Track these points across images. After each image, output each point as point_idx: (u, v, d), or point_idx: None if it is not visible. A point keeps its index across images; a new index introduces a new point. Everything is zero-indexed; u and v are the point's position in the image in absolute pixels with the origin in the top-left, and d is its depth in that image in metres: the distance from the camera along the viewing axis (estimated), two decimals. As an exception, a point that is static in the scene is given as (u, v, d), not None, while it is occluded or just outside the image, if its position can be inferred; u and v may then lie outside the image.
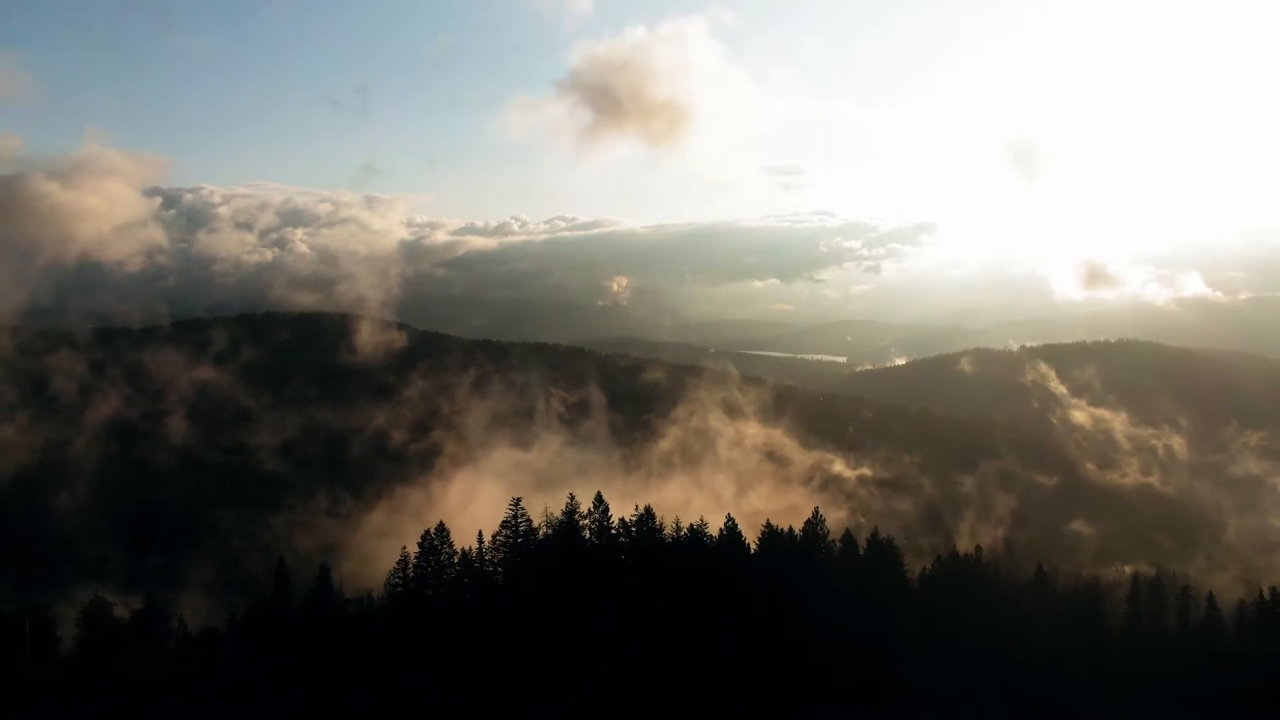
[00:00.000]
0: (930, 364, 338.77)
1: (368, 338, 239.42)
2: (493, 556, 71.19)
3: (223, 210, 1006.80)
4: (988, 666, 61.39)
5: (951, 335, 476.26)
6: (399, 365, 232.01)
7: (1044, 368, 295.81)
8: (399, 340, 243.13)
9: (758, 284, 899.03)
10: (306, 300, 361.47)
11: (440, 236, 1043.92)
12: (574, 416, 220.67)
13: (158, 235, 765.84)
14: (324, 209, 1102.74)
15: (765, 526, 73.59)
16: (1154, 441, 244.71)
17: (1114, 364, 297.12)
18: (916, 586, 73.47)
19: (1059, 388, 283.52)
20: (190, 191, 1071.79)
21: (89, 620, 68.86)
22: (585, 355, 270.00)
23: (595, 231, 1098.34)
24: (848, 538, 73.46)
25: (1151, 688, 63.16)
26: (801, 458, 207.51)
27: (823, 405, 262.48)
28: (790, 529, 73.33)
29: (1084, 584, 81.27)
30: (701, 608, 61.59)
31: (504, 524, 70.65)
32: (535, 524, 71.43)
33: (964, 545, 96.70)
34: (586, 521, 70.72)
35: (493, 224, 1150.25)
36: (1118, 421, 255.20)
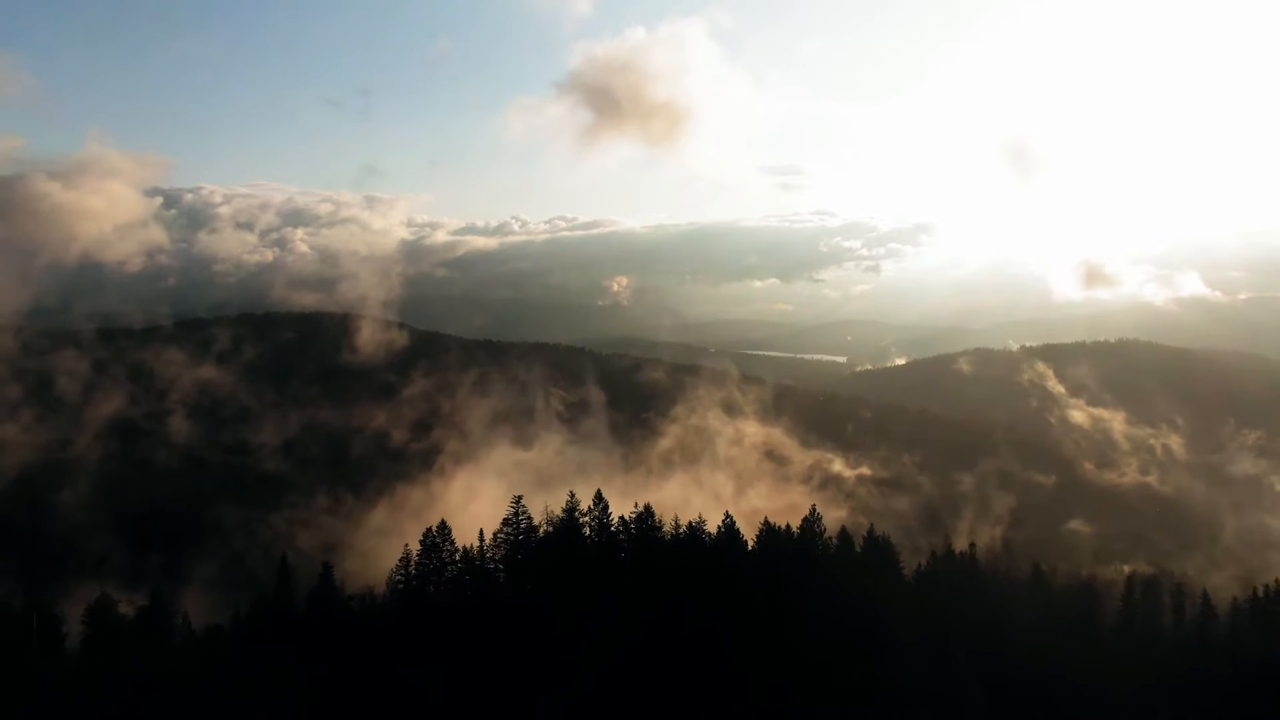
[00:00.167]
0: (930, 364, 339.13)
1: (368, 337, 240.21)
2: (494, 554, 71.86)
3: (223, 210, 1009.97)
4: (982, 663, 62.02)
5: (951, 335, 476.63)
6: (400, 365, 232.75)
7: (1043, 368, 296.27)
8: (399, 340, 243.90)
9: (758, 284, 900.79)
10: (307, 300, 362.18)
11: (440, 236, 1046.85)
12: (574, 416, 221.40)
13: (159, 235, 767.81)
14: (324, 209, 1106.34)
15: (763, 524, 74.26)
16: (1152, 441, 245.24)
17: (1113, 364, 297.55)
18: (912, 584, 74.06)
19: (1058, 387, 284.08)
20: (191, 191, 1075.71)
21: (94, 617, 69.50)
22: (585, 355, 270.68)
23: (595, 231, 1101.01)
24: (844, 535, 74.16)
25: (1146, 685, 63.77)
26: (801, 457, 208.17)
27: (822, 405, 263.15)
28: (788, 526, 74.02)
29: (1079, 582, 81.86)
30: (700, 605, 62.27)
31: (505, 522, 71.31)
32: (536, 522, 72.10)
33: (962, 544, 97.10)
34: (586, 519, 71.40)
35: (493, 224, 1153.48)
36: (1116, 421, 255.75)
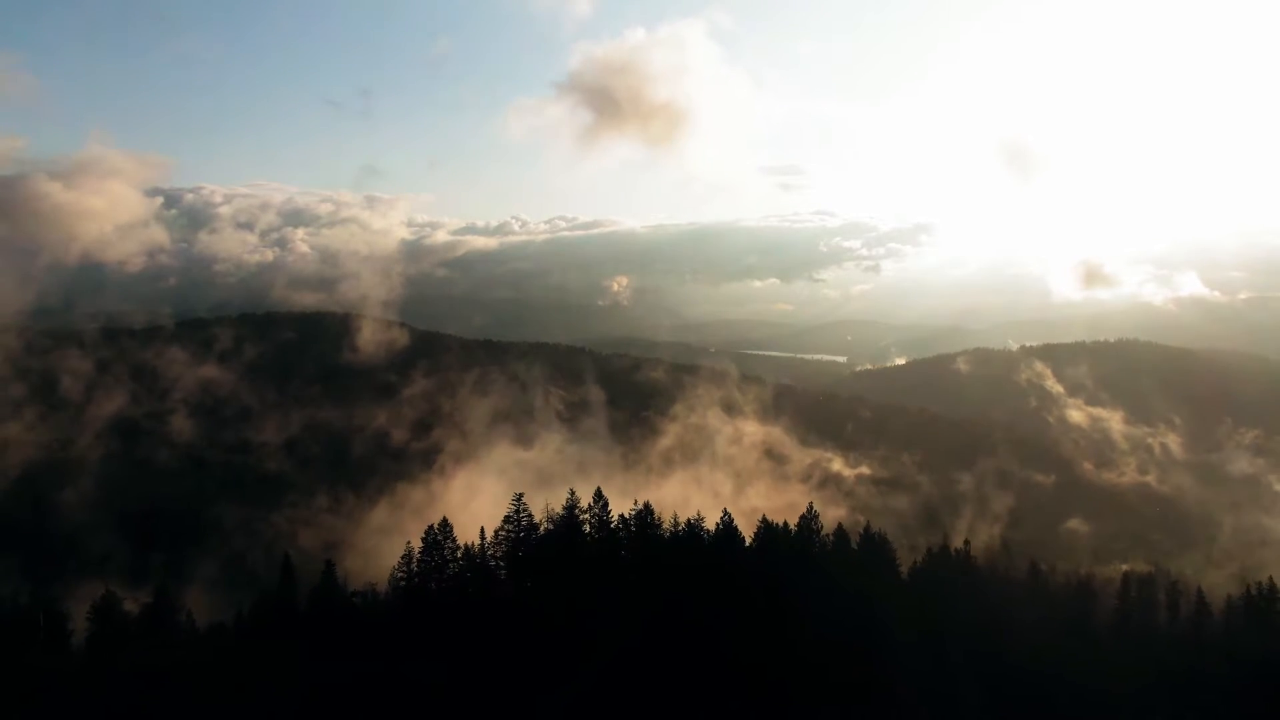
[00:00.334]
0: (930, 364, 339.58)
1: (369, 337, 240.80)
2: (495, 552, 72.45)
3: (224, 210, 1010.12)
4: (977, 659, 62.64)
5: (951, 335, 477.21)
6: (400, 364, 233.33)
7: (1043, 368, 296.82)
8: (400, 339, 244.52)
9: (758, 284, 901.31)
10: (308, 300, 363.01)
11: (441, 236, 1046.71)
12: (574, 415, 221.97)
13: (159, 235, 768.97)
14: (325, 209, 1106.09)
15: (761, 522, 74.87)
16: (1150, 441, 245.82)
17: (1112, 364, 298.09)
18: (908, 581, 74.67)
19: (1057, 387, 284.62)
20: (191, 191, 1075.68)
21: (100, 614, 70.11)
22: (585, 355, 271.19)
23: (595, 231, 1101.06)
24: (840, 532, 74.78)
25: (1141, 681, 64.38)
26: (800, 456, 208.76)
27: (822, 404, 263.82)
28: (785, 524, 74.61)
29: (1076, 580, 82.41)
30: (698, 602, 62.88)
31: (506, 519, 71.91)
32: (537, 520, 72.67)
33: (960, 543, 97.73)
34: (587, 517, 71.99)
35: (493, 224, 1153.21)
36: (1115, 421, 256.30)
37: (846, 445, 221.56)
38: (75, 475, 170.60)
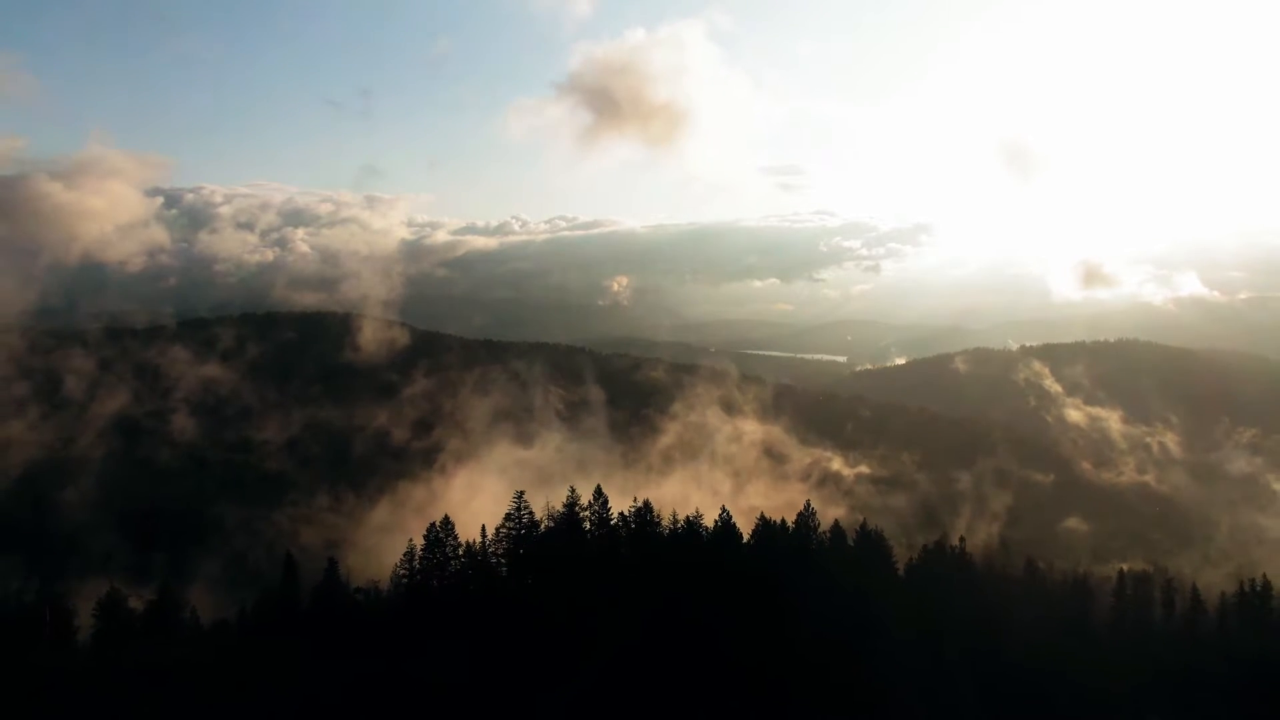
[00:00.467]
0: (930, 364, 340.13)
1: (369, 337, 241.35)
2: (496, 549, 73.01)
3: (224, 210, 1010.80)
4: (973, 654, 63.25)
5: (951, 335, 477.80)
6: (400, 364, 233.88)
7: (1043, 368, 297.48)
8: (400, 339, 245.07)
9: (757, 284, 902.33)
10: (308, 300, 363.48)
11: (441, 236, 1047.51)
12: (574, 414, 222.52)
13: (159, 235, 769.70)
14: (325, 209, 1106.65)
15: (759, 519, 75.47)
16: (1149, 440, 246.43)
17: (1112, 364, 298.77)
18: (904, 577, 75.27)
19: (1057, 387, 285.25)
20: (191, 191, 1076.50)
21: (105, 611, 70.70)
22: (585, 354, 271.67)
23: (595, 231, 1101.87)
24: (837, 529, 75.45)
25: (1136, 677, 64.98)
26: (800, 455, 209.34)
27: (821, 403, 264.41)
28: (783, 521, 75.21)
29: (1072, 578, 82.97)
30: (697, 598, 63.51)
31: (507, 516, 72.51)
32: (537, 518, 73.22)
33: (958, 541, 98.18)
34: (587, 514, 72.56)
35: (493, 224, 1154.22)
36: (1115, 420, 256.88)
37: (846, 444, 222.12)
38: (77, 474, 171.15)
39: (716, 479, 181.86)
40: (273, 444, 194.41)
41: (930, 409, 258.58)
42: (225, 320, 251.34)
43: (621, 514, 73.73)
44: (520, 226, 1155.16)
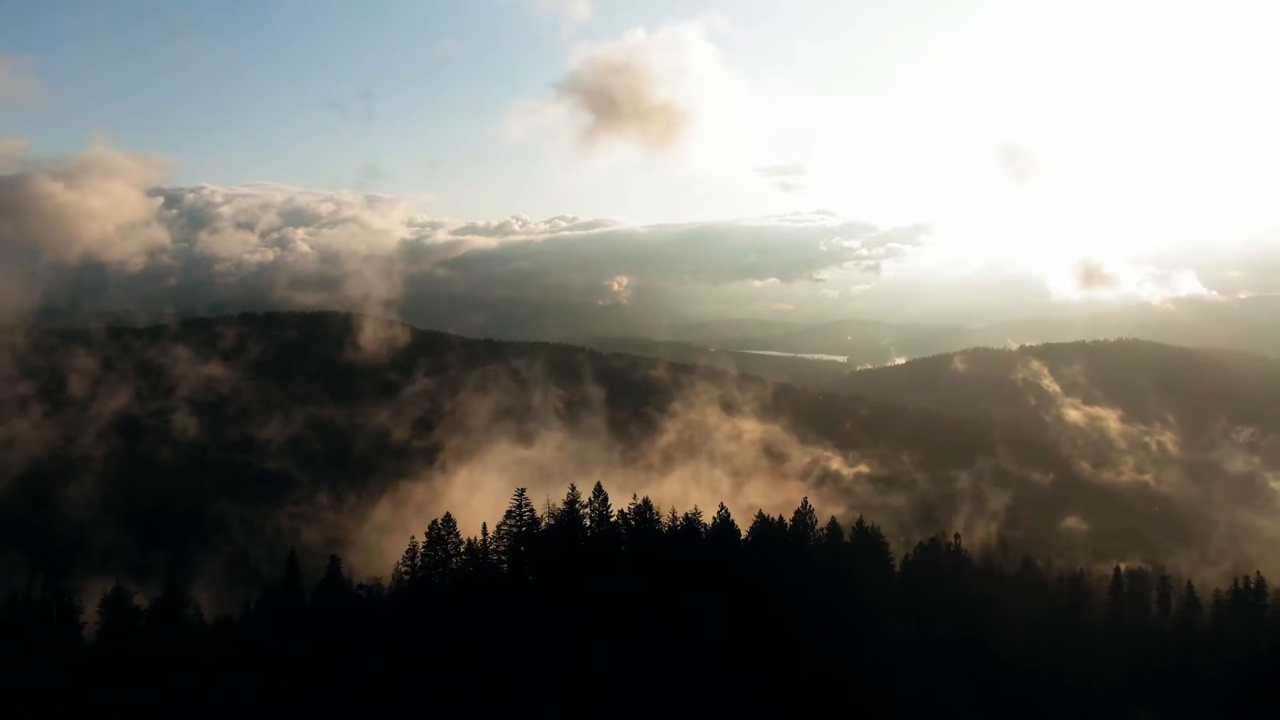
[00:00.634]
0: (930, 363, 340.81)
1: (370, 336, 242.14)
2: (497, 546, 73.65)
3: (225, 210, 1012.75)
4: (966, 649, 63.90)
5: (951, 335, 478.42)
6: (401, 363, 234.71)
7: (1042, 367, 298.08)
8: (401, 339, 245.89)
9: (757, 284, 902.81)
10: (308, 300, 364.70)
11: (441, 236, 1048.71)
12: (574, 413, 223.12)
13: (160, 235, 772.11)
14: (325, 209, 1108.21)
15: (757, 516, 76.12)
16: (1147, 439, 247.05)
17: (1111, 363, 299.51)
18: (899, 574, 75.91)
19: (1056, 387, 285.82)
20: (192, 191, 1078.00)
21: (110, 607, 71.42)
22: (585, 354, 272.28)
23: (596, 231, 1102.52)
24: (833, 526, 76.16)
25: (1128, 672, 65.65)
26: (799, 454, 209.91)
27: (821, 403, 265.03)
28: (780, 518, 75.86)
29: (1067, 575, 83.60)
30: (696, 593, 64.21)
31: (508, 514, 73.17)
32: (538, 515, 73.84)
33: (960, 540, 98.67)
34: (587, 511, 73.19)
35: (493, 224, 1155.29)
36: (1114, 420, 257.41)
37: (845, 444, 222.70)
38: (80, 473, 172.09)
39: (716, 477, 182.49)
40: (274, 443, 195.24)
41: (930, 408, 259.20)
42: (226, 320, 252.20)
43: (621, 512, 74.36)
44: (520, 226, 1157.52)
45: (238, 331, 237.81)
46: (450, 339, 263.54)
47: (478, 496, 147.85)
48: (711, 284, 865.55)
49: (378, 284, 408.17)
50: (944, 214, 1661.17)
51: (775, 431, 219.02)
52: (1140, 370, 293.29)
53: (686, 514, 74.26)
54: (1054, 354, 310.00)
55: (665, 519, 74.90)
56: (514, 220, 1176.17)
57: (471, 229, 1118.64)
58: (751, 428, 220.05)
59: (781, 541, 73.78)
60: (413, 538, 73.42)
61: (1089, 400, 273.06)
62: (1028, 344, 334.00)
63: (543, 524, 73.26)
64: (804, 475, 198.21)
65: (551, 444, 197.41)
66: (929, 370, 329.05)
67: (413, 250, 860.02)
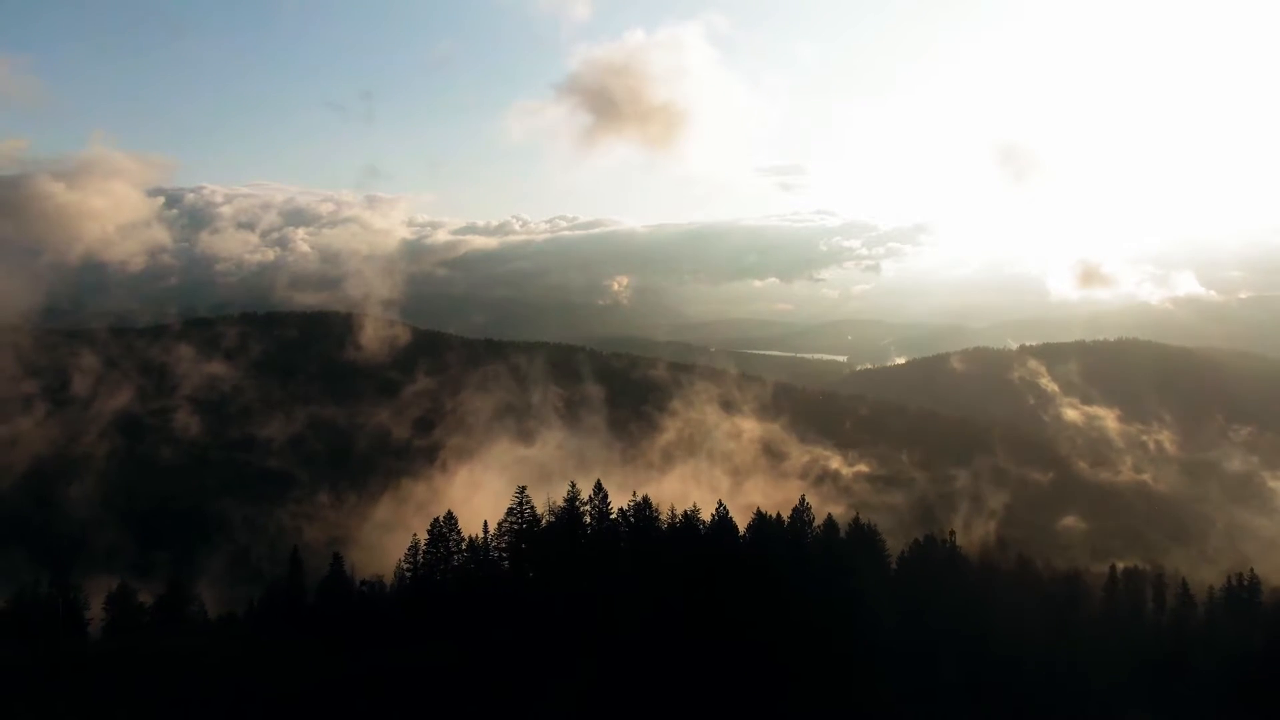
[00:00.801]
0: (930, 363, 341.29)
1: (371, 336, 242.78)
2: (498, 543, 74.33)
3: (225, 210, 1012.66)
4: (958, 644, 64.58)
5: (951, 334, 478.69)
6: (402, 363, 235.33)
7: (1042, 367, 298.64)
8: (401, 338, 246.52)
9: (757, 283, 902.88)
10: (309, 299, 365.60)
11: (442, 236, 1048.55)
12: (574, 413, 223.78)
13: (161, 235, 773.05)
14: (326, 209, 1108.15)
15: (755, 514, 76.81)
16: (1145, 439, 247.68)
17: (1111, 363, 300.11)
18: (895, 570, 76.59)
19: (1056, 387, 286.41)
20: (193, 191, 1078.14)
21: (115, 604, 72.13)
22: (585, 353, 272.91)
23: (596, 231, 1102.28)
24: (830, 523, 76.84)
25: (1121, 668, 66.31)
26: (798, 453, 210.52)
27: (820, 402, 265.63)
28: (778, 516, 76.56)
29: (1063, 572, 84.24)
30: (694, 589, 64.94)
31: (509, 511, 73.86)
32: (539, 513, 74.50)
33: (958, 539, 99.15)
34: (587, 508, 73.88)
35: (494, 224, 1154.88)
36: (1113, 419, 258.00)
37: (845, 443, 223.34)
38: (82, 471, 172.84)
39: (715, 476, 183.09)
40: (275, 442, 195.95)
41: (930, 408, 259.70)
42: (227, 319, 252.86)
43: (621, 509, 75.03)
44: (521, 226, 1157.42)
45: (239, 331, 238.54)
46: (451, 339, 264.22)
47: (478, 495, 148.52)
48: (711, 284, 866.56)
49: (378, 284, 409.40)
50: (944, 214, 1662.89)
51: (775, 430, 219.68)
52: (1139, 370, 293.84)
53: (685, 511, 74.97)
54: (1053, 354, 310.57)
55: (665, 517, 75.57)
56: (514, 220, 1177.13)
57: (472, 229, 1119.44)
58: (751, 427, 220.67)
59: (779, 538, 74.52)
60: (415, 535, 74.12)
61: (1088, 400, 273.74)
62: (1027, 344, 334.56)
63: (543, 521, 73.94)
64: (803, 474, 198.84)
65: (552, 443, 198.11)
66: (929, 370, 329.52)
67: (413, 250, 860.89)
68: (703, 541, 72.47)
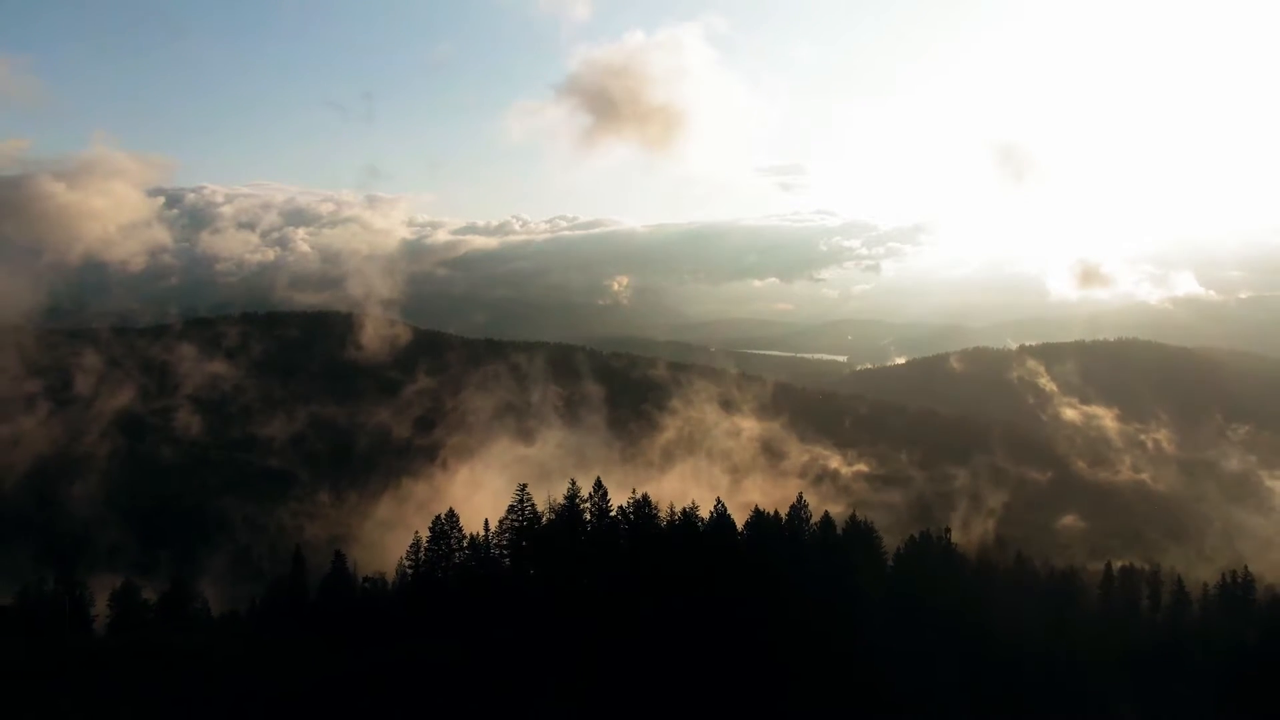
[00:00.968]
0: (929, 363, 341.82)
1: (371, 335, 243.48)
2: (499, 541, 74.94)
3: (226, 210, 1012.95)
4: (952, 639, 65.27)
5: (951, 334, 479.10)
6: (402, 362, 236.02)
7: (1042, 367, 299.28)
8: (402, 338, 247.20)
9: (757, 283, 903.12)
10: (309, 299, 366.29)
11: (442, 236, 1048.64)
12: (574, 412, 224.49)
13: (161, 235, 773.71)
14: (326, 209, 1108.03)
15: (753, 511, 77.46)
16: (1144, 438, 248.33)
17: (1111, 363, 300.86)
18: (891, 567, 77.24)
19: (1055, 386, 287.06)
20: (193, 191, 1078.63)
21: (120, 601, 72.80)
22: (585, 353, 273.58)
23: (596, 231, 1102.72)
24: (826, 520, 77.39)
25: (1115, 663, 67.00)
26: (797, 452, 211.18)
27: (820, 402, 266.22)
28: (776, 513, 77.18)
29: (1059, 570, 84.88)
30: (692, 585, 65.64)
31: (510, 509, 74.48)
32: (539, 510, 75.11)
33: (957, 538, 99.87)
34: (587, 506, 74.49)
35: (494, 223, 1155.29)
36: (1111, 419, 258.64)
37: (844, 442, 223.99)
38: (84, 471, 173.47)
39: (714, 475, 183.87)
40: (276, 441, 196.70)
41: (928, 407, 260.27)
42: (228, 319, 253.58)
43: (621, 507, 75.61)
44: (521, 226, 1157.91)
45: (240, 330, 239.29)
46: (451, 338, 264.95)
47: (479, 493, 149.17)
48: (711, 284, 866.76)
49: (379, 283, 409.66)
50: (944, 214, 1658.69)
51: (774, 429, 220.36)
52: (1138, 370, 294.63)
53: (684, 509, 75.57)
54: (1052, 353, 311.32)
55: (664, 514, 76.17)
56: (514, 220, 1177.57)
57: (472, 229, 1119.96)
58: (750, 426, 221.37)
59: (776, 535, 75.15)
60: (416, 533, 74.74)
61: (1087, 399, 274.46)
62: (1027, 343, 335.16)
63: (544, 519, 74.54)
64: (802, 473, 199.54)
65: (552, 441, 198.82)
66: (928, 370, 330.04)
67: (413, 250, 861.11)
68: (701, 538, 73.12)
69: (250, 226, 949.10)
